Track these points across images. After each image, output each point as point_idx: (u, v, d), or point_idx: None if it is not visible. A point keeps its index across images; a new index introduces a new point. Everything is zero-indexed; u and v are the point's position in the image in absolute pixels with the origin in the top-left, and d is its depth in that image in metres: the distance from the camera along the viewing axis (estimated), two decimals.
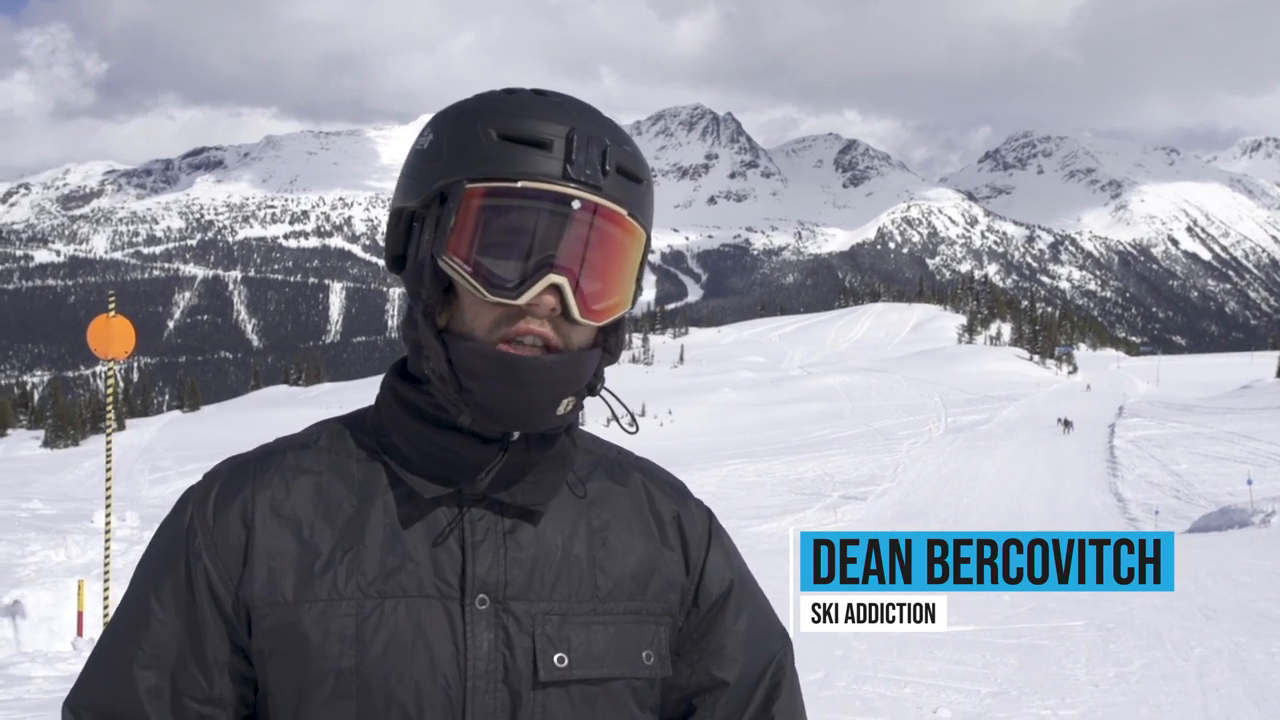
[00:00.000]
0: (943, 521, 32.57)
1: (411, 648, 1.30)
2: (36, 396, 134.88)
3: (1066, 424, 62.34)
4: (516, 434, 1.33)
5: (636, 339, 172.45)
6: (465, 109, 1.34)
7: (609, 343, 1.37)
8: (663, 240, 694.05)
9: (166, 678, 1.34)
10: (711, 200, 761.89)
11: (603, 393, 1.41)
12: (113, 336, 10.47)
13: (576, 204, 1.26)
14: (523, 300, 1.25)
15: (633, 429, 1.43)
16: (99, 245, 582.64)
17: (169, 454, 64.49)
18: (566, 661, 1.33)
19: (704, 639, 1.46)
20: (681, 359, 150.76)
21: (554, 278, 1.25)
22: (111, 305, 10.73)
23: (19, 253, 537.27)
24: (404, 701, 1.29)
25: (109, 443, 11.16)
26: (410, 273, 1.33)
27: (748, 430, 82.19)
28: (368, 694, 1.29)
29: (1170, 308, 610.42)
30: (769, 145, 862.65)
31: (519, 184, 1.26)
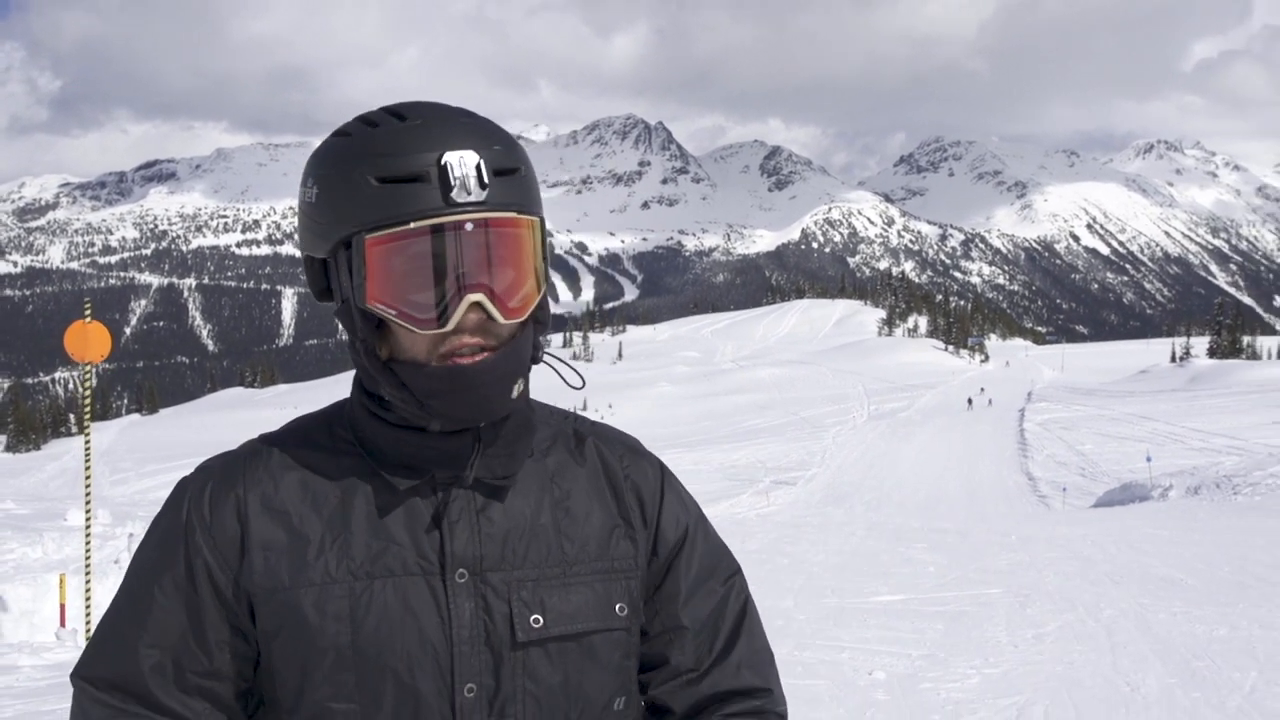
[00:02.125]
0: (868, 504, 32.91)
1: (401, 621, 1.35)
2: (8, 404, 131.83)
3: (970, 401, 63.30)
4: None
5: (577, 337, 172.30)
6: (339, 156, 1.34)
7: (539, 315, 1.40)
8: (600, 243, 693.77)
9: (169, 655, 1.37)
10: (645, 205, 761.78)
11: (546, 358, 1.47)
12: (89, 341, 10.39)
13: (469, 225, 1.29)
14: (451, 326, 1.30)
15: (579, 385, 1.51)
16: (55, 256, 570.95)
17: (129, 455, 63.39)
18: (542, 622, 1.38)
19: (666, 586, 1.50)
20: (620, 355, 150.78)
21: (471, 296, 1.29)
22: (87, 312, 10.66)
23: None
24: (398, 669, 1.34)
25: (87, 442, 11.07)
26: (342, 314, 1.36)
27: (684, 421, 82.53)
28: (365, 665, 1.34)
29: (1073, 299, 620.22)
30: (698, 152, 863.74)
31: (410, 225, 1.28)
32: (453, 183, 1.28)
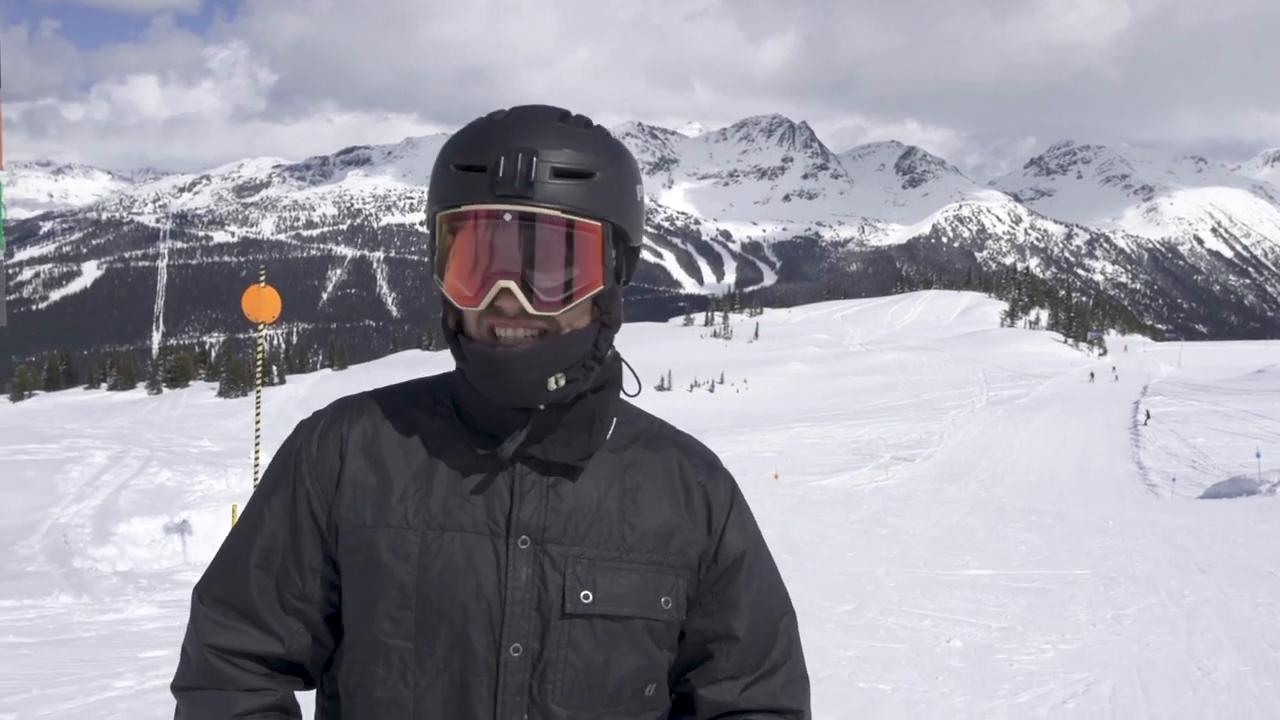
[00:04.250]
0: (981, 483, 32.10)
1: (462, 574, 1.35)
2: (213, 354, 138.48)
3: (1092, 375, 60.58)
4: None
5: (718, 317, 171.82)
6: (446, 144, 1.38)
7: (605, 318, 1.39)
8: (743, 231, 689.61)
9: (272, 577, 1.41)
10: (786, 198, 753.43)
11: (608, 359, 1.43)
12: (263, 303, 10.73)
13: (508, 216, 1.29)
14: (482, 306, 1.31)
15: (634, 393, 1.49)
16: (266, 228, 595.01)
17: (322, 405, 65.82)
18: (591, 598, 1.37)
19: (722, 593, 1.47)
20: (756, 335, 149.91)
21: (503, 283, 1.29)
22: (262, 277, 11.01)
23: (200, 234, 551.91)
24: (453, 617, 1.35)
25: (259, 392, 11.47)
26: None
27: (813, 398, 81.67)
28: (425, 608, 1.35)
29: (1194, 300, 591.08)
30: (838, 150, 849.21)
31: (461, 207, 1.31)
32: (501, 174, 1.29)
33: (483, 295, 1.31)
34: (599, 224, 1.33)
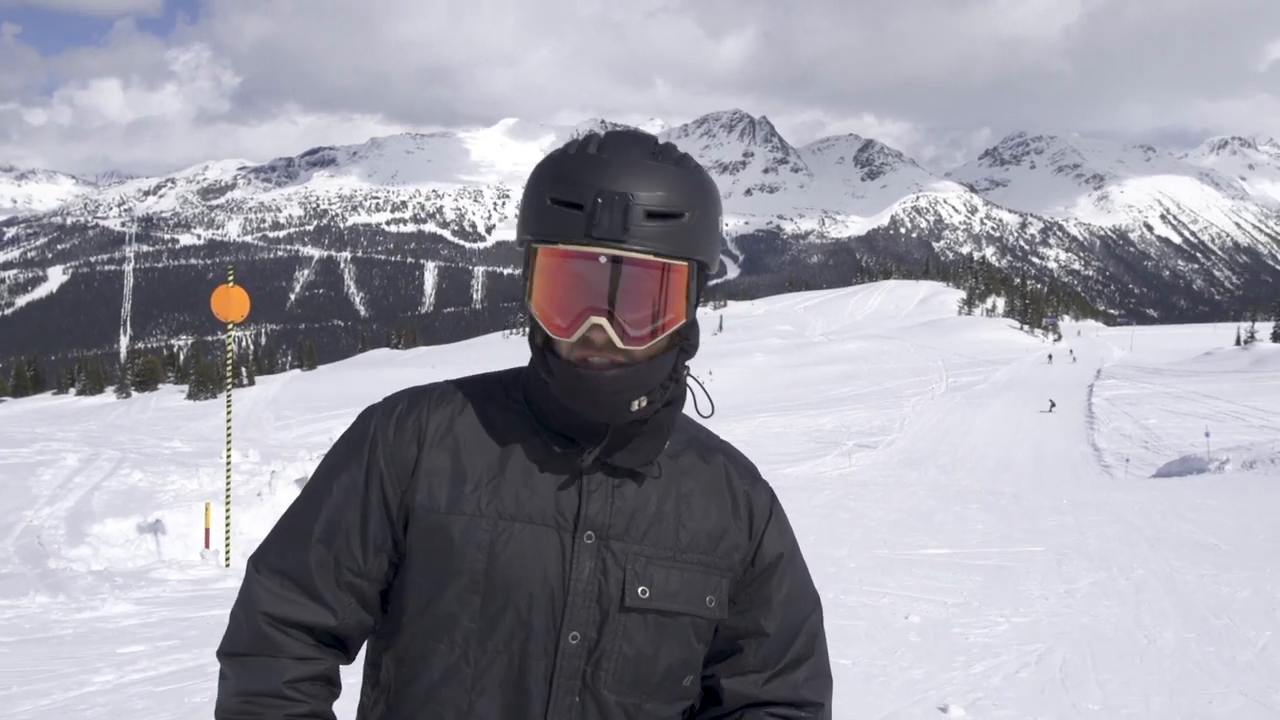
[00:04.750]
0: (941, 467, 32.38)
1: (530, 563, 1.41)
2: (182, 356, 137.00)
3: (1050, 357, 61.19)
4: None
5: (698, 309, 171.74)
6: (540, 170, 1.40)
7: (686, 343, 1.46)
8: None
9: (333, 552, 1.45)
10: (748, 192, 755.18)
11: (690, 381, 1.52)
12: (231, 303, 10.70)
13: (603, 259, 1.33)
14: (574, 339, 1.36)
15: (707, 414, 1.54)
16: (233, 230, 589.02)
17: (291, 405, 65.46)
18: (648, 594, 1.43)
19: (756, 593, 1.52)
20: (721, 327, 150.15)
21: (594, 319, 1.34)
22: (230, 277, 10.97)
23: (167, 236, 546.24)
24: (519, 604, 1.40)
25: (229, 392, 11.44)
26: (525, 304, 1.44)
27: (776, 388, 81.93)
28: (492, 592, 1.40)
29: (1144, 285, 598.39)
30: (798, 144, 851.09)
31: (559, 245, 1.34)
32: (598, 219, 1.32)
33: (575, 328, 1.35)
34: (686, 264, 1.38)
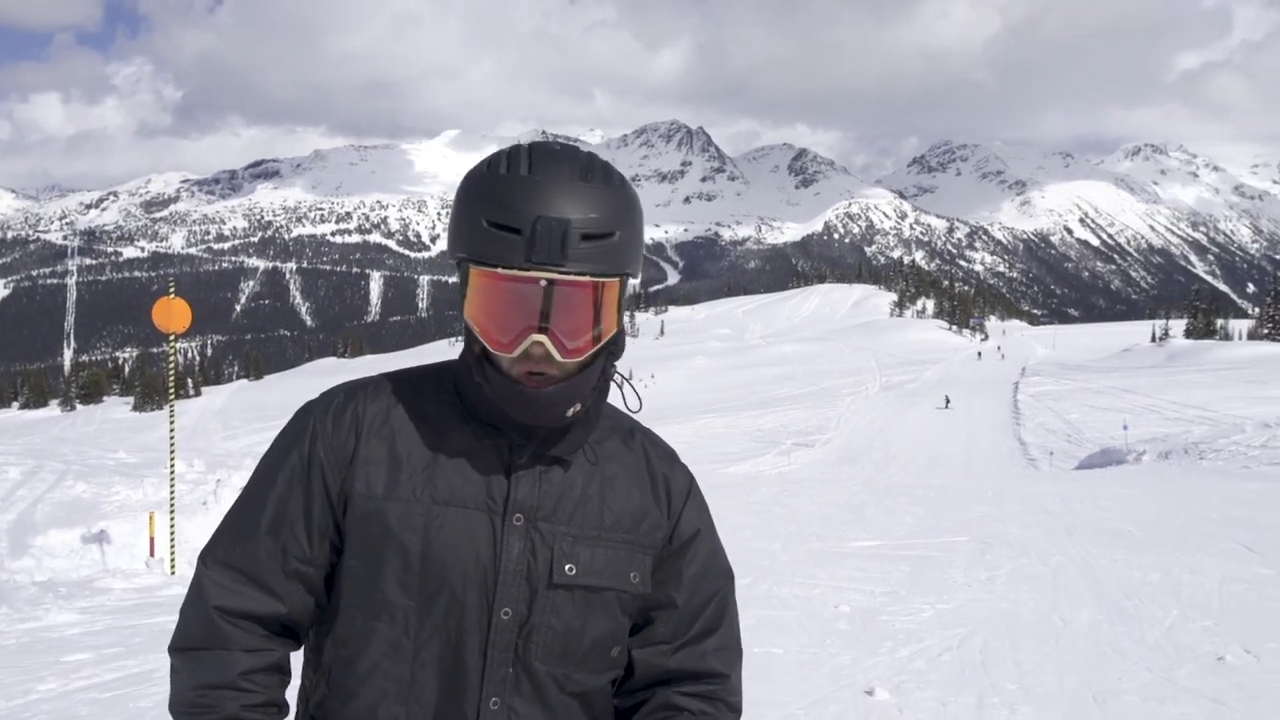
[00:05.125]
0: (876, 464, 32.71)
1: (462, 545, 1.45)
2: (127, 369, 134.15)
3: (979, 355, 62.24)
4: None
5: (625, 316, 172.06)
6: (472, 188, 1.43)
7: (614, 347, 1.50)
8: (646, 234, 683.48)
9: (280, 543, 1.48)
10: (686, 200, 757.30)
11: (617, 378, 1.56)
12: (173, 314, 10.55)
13: (543, 282, 1.37)
14: (516, 354, 1.40)
15: (636, 409, 1.59)
16: (176, 243, 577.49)
17: (239, 415, 64.53)
18: (575, 571, 1.48)
19: (670, 567, 1.57)
20: (662, 332, 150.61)
21: (535, 337, 1.39)
22: (171, 289, 10.83)
23: (110, 249, 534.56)
24: (453, 583, 1.45)
25: (172, 403, 11.27)
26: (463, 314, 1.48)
27: (717, 390, 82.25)
28: (428, 574, 1.45)
29: (1066, 286, 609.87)
30: (734, 154, 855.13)
31: (498, 269, 1.38)
32: (537, 244, 1.35)
33: (517, 345, 1.39)
34: (618, 279, 1.44)
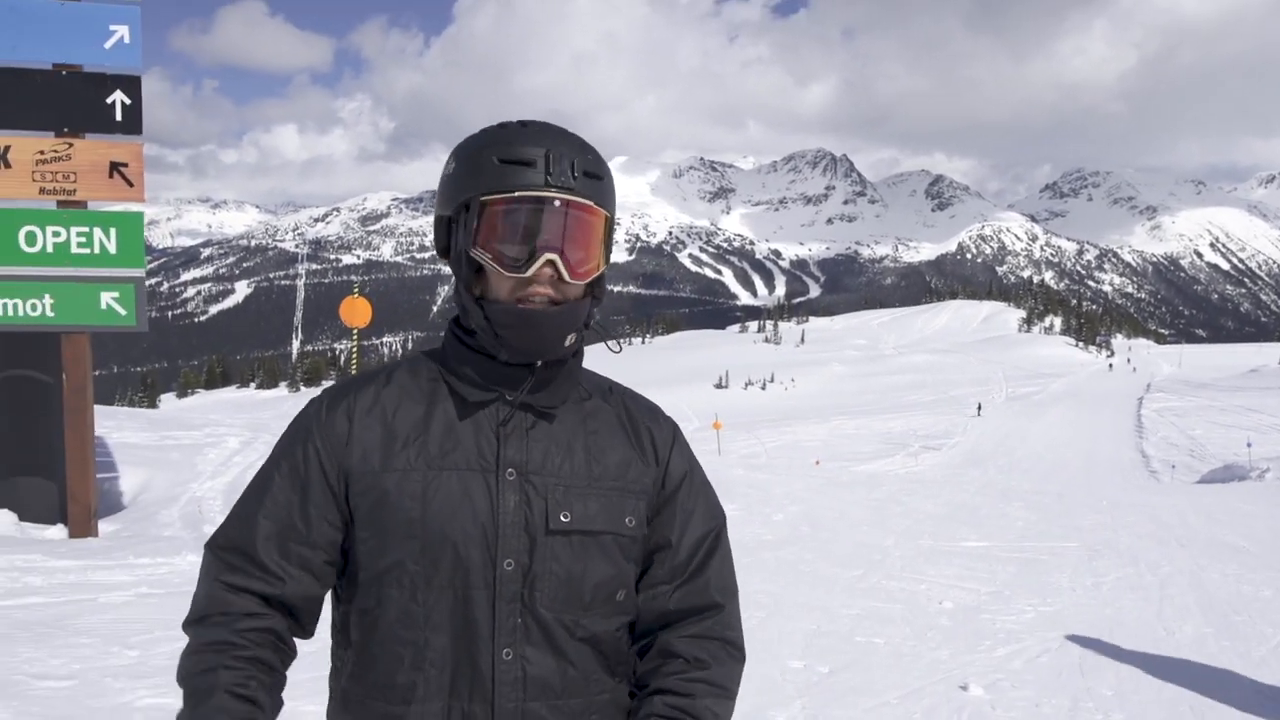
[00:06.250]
0: (999, 468, 31.38)
1: (460, 505, 1.41)
2: (342, 358, 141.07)
3: (1110, 366, 58.70)
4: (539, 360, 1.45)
5: (769, 324, 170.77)
6: (474, 143, 1.43)
7: (595, 292, 1.47)
8: (791, 251, 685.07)
9: (277, 526, 1.44)
10: (829, 221, 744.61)
11: (595, 326, 1.53)
12: (355, 311, 10.88)
13: (557, 202, 1.37)
14: (529, 273, 1.37)
15: (616, 350, 1.58)
16: (386, 251, 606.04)
17: None
18: (569, 518, 1.43)
19: (664, 509, 1.53)
20: (803, 340, 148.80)
21: (549, 255, 1.37)
22: (356, 289, 11.20)
23: (332, 256, 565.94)
24: (456, 541, 1.40)
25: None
26: (453, 261, 1.45)
27: (851, 395, 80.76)
28: (430, 536, 1.40)
29: (1194, 307, 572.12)
30: (875, 179, 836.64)
31: (515, 193, 1.37)
32: (551, 169, 1.37)
33: (531, 264, 1.37)
34: (608, 216, 1.45)
